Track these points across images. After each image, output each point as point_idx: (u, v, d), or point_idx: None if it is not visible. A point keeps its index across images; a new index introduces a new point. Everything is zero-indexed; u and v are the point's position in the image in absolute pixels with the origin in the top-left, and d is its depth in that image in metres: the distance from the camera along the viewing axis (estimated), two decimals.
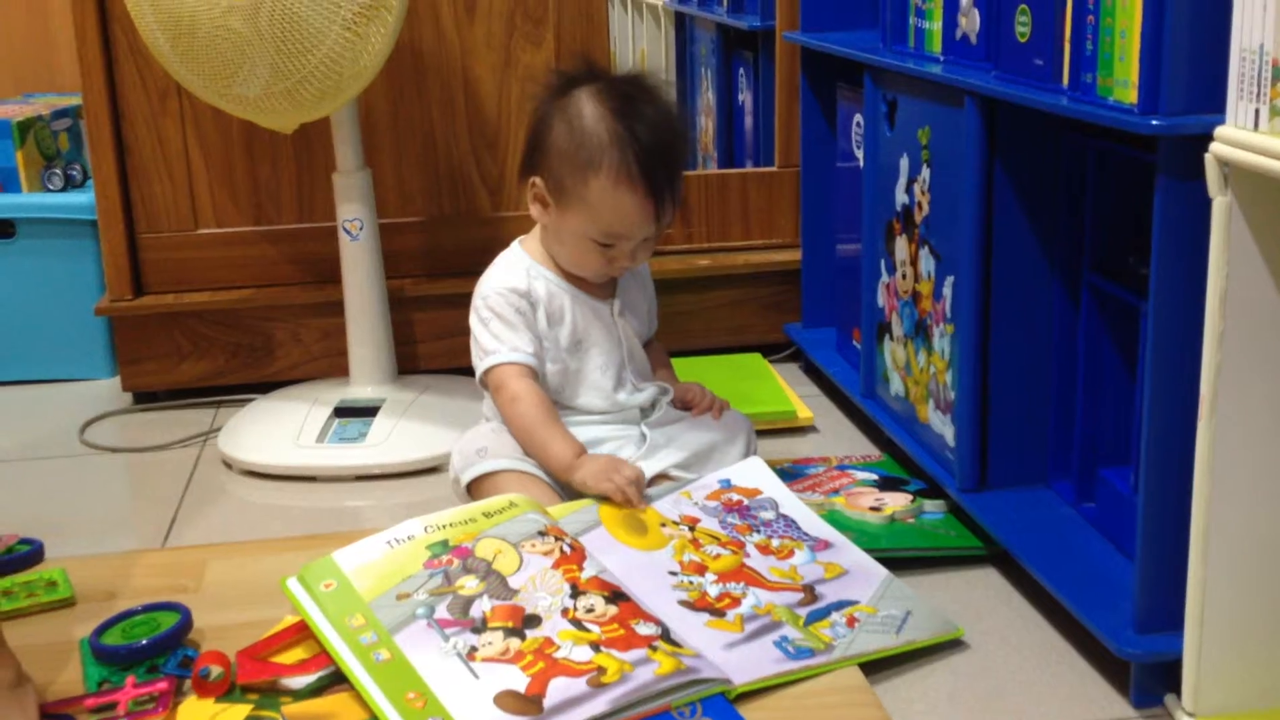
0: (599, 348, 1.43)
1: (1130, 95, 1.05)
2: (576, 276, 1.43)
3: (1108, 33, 1.09)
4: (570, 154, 1.36)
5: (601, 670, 1.04)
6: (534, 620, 1.09)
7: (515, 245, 1.47)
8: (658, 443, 1.42)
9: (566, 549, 1.19)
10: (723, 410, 1.49)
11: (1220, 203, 0.96)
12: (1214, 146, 0.95)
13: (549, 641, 1.07)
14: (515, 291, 1.40)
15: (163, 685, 1.06)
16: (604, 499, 1.31)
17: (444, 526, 1.21)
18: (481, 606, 1.11)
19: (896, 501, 1.42)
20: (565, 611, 1.10)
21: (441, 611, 1.10)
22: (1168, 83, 1.00)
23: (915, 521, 1.40)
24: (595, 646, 1.06)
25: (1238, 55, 0.93)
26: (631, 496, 1.31)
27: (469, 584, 1.13)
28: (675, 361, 1.77)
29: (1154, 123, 1.00)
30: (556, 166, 1.37)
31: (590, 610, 1.11)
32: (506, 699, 1.01)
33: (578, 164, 1.35)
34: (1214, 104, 0.96)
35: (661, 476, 1.40)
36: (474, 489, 1.37)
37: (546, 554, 1.17)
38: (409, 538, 1.19)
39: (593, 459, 1.34)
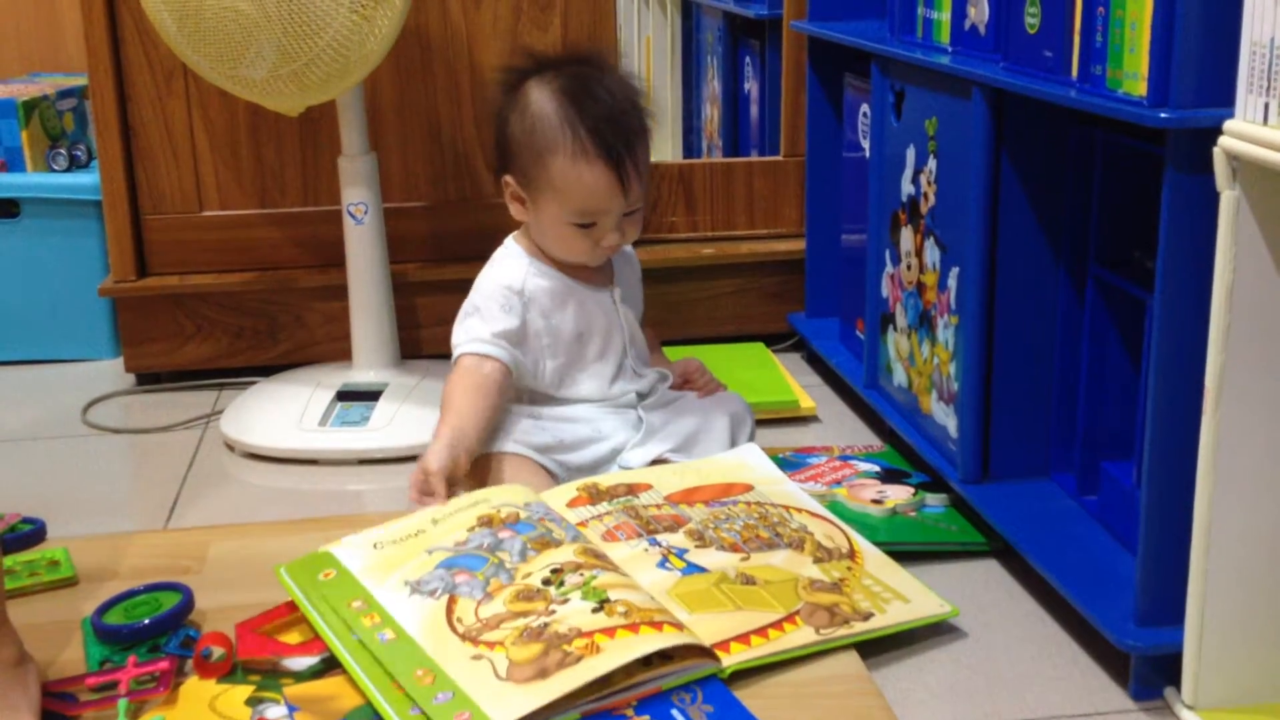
0: (601, 337, 1.44)
1: (1140, 88, 1.05)
2: (573, 268, 1.44)
3: (1118, 25, 1.08)
4: (527, 143, 1.38)
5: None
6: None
7: (510, 242, 1.47)
8: (654, 426, 1.43)
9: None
10: (714, 390, 1.50)
11: (1228, 196, 0.96)
12: (1223, 140, 0.95)
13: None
14: (509, 289, 1.41)
15: (164, 665, 1.06)
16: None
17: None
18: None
19: (898, 494, 1.42)
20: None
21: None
22: (1177, 75, 1.00)
23: (916, 515, 1.40)
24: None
25: (1248, 49, 0.93)
26: (422, 493, 1.27)
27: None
28: (677, 350, 1.77)
29: (1163, 115, 1.00)
30: (520, 159, 1.39)
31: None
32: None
33: (535, 151, 1.37)
34: (1224, 97, 0.96)
35: (659, 461, 1.41)
36: (472, 471, 1.37)
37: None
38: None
39: (431, 453, 1.30)
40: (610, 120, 1.37)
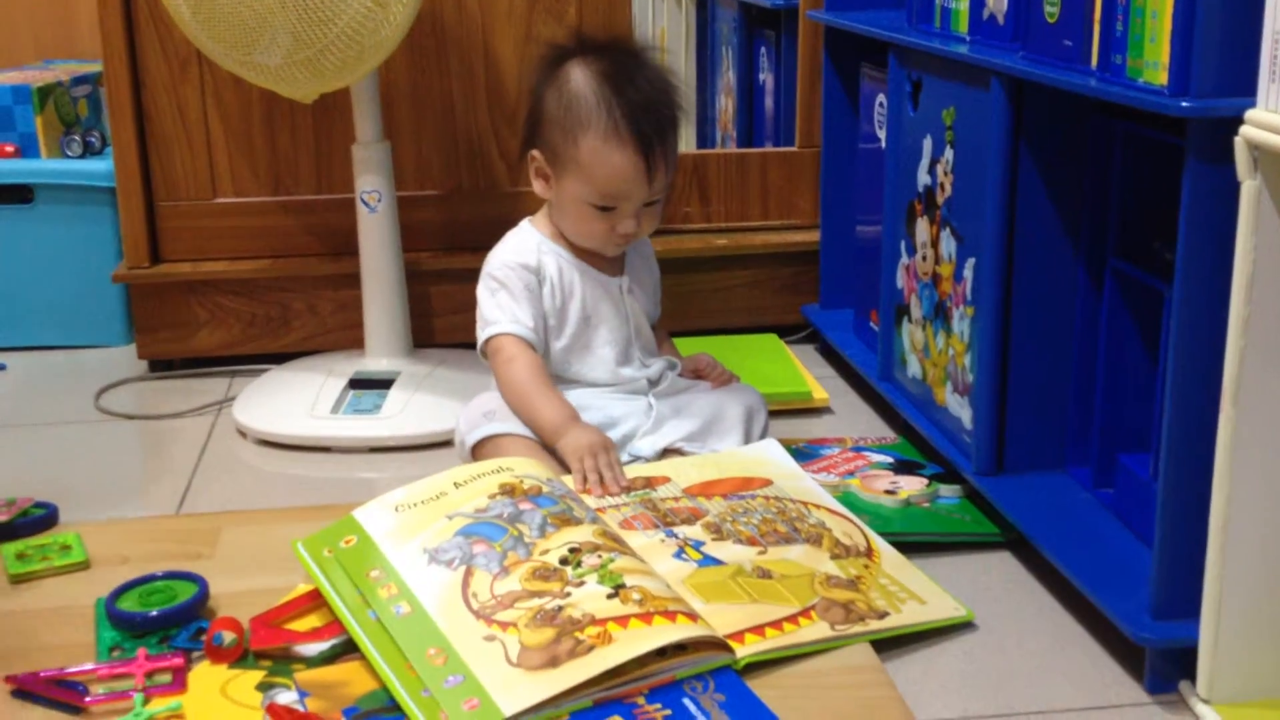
0: (607, 324, 1.44)
1: (1160, 77, 1.04)
2: (586, 253, 1.44)
3: (1138, 13, 1.07)
4: (561, 119, 1.39)
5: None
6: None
7: (525, 223, 1.48)
8: (664, 414, 1.43)
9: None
10: (727, 381, 1.50)
11: (1249, 186, 0.95)
12: (1244, 129, 0.94)
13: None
14: (525, 267, 1.42)
15: (179, 661, 1.06)
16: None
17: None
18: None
19: (912, 485, 1.42)
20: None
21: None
22: (1198, 65, 0.99)
23: (930, 506, 1.39)
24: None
25: (1270, 38, 0.92)
26: (604, 483, 1.30)
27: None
28: (691, 341, 1.77)
29: (1184, 104, 0.99)
30: (550, 135, 1.40)
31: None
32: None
33: (568, 128, 1.38)
34: (1245, 87, 0.96)
35: (670, 450, 1.40)
36: (478, 451, 1.38)
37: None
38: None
39: (581, 429, 1.34)
40: (646, 108, 1.38)
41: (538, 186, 1.44)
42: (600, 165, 1.37)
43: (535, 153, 1.42)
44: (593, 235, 1.42)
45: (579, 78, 1.39)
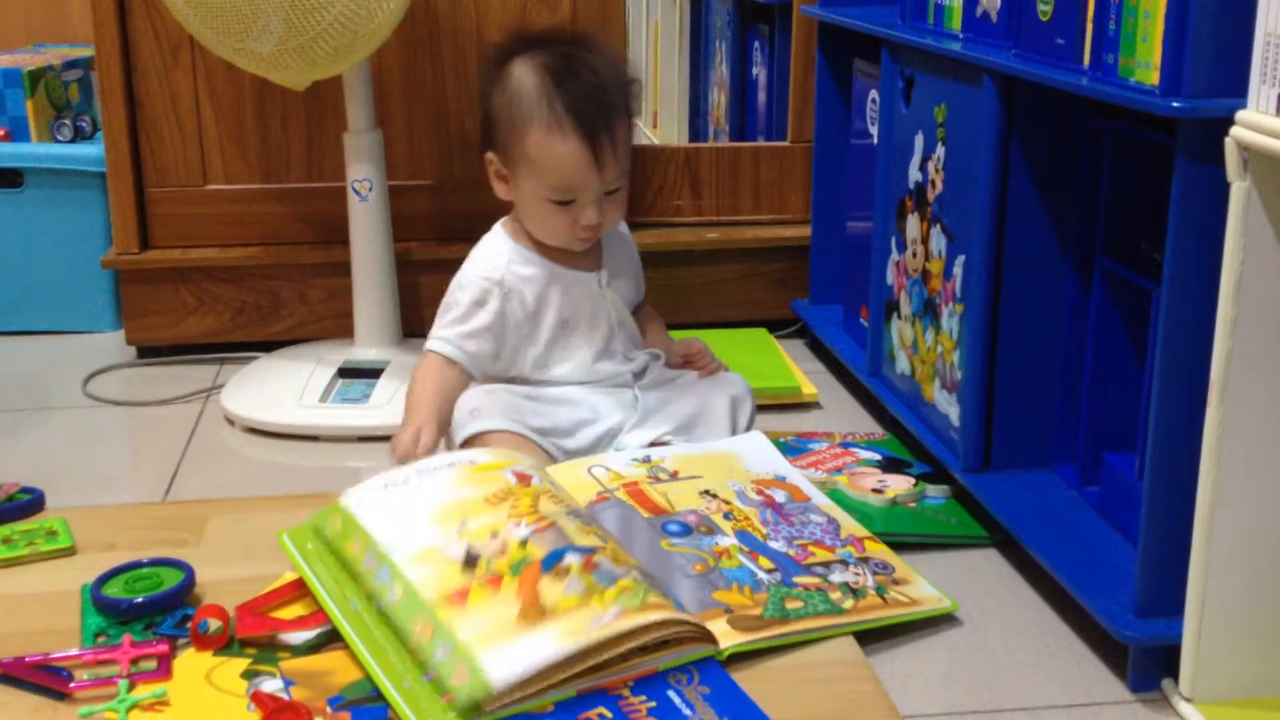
0: (587, 322, 1.44)
1: (1152, 77, 1.05)
2: (559, 252, 1.43)
3: (1131, 13, 1.08)
4: (506, 117, 1.38)
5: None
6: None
7: (497, 227, 1.47)
8: (650, 407, 1.42)
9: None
10: (714, 371, 1.50)
11: (1239, 188, 0.95)
12: (1235, 130, 0.94)
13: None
14: (489, 280, 1.40)
15: (163, 648, 1.06)
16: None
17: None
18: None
19: (899, 485, 1.42)
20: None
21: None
22: (1190, 65, 0.99)
23: (917, 506, 1.39)
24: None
25: (1262, 39, 0.92)
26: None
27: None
28: (681, 335, 1.77)
29: (1175, 105, 1.00)
30: (500, 135, 1.40)
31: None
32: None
33: (514, 124, 1.37)
34: (1236, 88, 0.96)
35: (658, 443, 1.40)
36: (466, 448, 1.37)
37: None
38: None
39: (404, 428, 1.34)
40: (589, 96, 1.36)
41: (499, 190, 1.43)
42: (547, 158, 1.36)
43: (490, 155, 1.41)
44: (556, 231, 1.40)
45: (520, 74, 1.37)
